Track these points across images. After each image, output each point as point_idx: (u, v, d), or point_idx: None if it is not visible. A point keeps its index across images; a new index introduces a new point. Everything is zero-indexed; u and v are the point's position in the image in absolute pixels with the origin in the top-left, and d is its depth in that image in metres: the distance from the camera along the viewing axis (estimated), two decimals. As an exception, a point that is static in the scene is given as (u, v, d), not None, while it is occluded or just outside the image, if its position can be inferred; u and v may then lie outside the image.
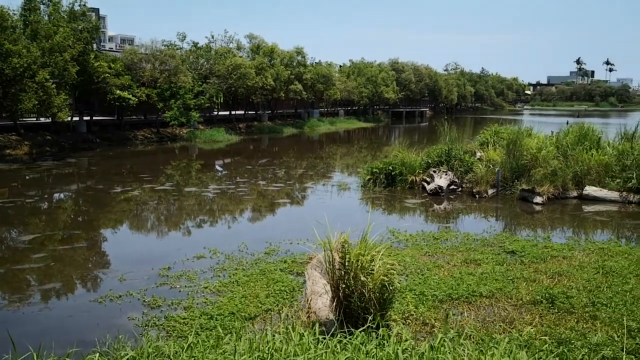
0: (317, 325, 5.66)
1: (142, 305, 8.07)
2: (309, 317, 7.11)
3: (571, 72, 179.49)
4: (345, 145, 40.32)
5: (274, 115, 51.79)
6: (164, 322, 7.36)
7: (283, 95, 48.72)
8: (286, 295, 8.22)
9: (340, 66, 71.56)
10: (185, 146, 34.98)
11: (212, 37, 48.32)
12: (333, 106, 63.89)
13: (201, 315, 7.45)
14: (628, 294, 8.10)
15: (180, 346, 5.63)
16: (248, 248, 11.01)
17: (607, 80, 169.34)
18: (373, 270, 6.45)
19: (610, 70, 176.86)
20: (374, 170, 18.65)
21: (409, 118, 76.04)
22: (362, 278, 6.37)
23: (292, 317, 7.21)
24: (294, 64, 50.68)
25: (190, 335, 6.27)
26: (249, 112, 48.98)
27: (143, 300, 8.25)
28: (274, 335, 5.10)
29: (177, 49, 41.45)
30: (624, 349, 5.89)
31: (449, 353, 4.33)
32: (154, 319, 7.48)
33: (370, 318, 5.90)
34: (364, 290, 6.33)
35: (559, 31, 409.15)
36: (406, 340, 4.85)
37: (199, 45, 44.62)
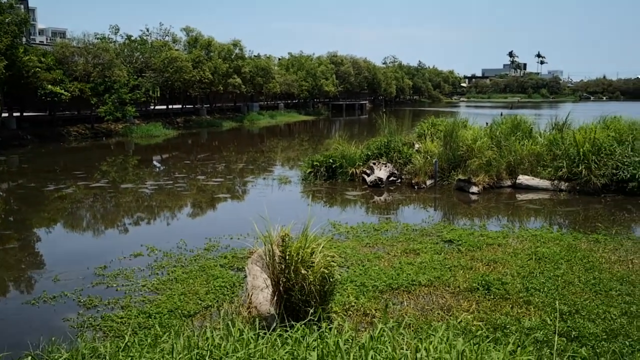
0: (258, 320, 5.61)
1: (78, 306, 7.82)
2: (250, 312, 7.05)
3: (504, 65, 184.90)
4: (286, 139, 40.23)
5: (212, 109, 51.11)
6: (100, 323, 7.16)
7: (222, 88, 48.15)
8: (227, 291, 8.14)
9: (280, 59, 71.29)
10: (121, 142, 34.08)
11: (147, 30, 47.27)
12: (273, 99, 63.63)
13: (139, 314, 7.29)
14: (559, 278, 8.41)
15: (117, 346, 5.48)
16: (187, 244, 10.83)
17: (538, 73, 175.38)
18: (314, 263, 6.45)
19: (542, 62, 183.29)
20: (315, 163, 18.69)
21: (349, 111, 76.55)
22: (303, 271, 6.36)
23: (232, 313, 7.13)
24: (232, 57, 50.14)
25: (128, 334, 6.11)
26: (187, 106, 48.18)
27: (78, 301, 7.99)
28: (213, 332, 5.02)
29: (111, 42, 40.25)
30: (556, 332, 6.11)
31: (388, 342, 4.37)
32: (90, 319, 7.27)
33: (311, 311, 5.89)
34: (304, 284, 6.32)
35: (493, 25, 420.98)
36: (347, 331, 4.85)
37: (133, 39, 43.49)
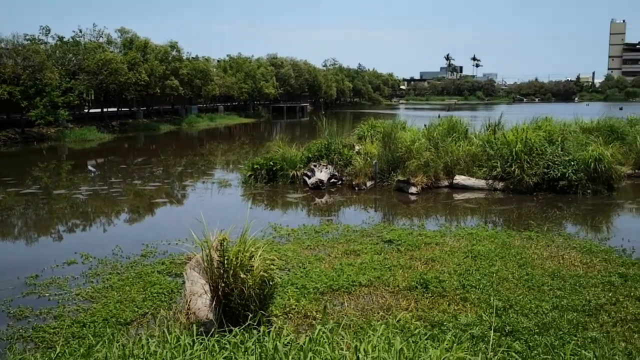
0: (195, 326, 5.51)
1: (7, 317, 7.48)
2: (188, 318, 6.93)
3: (442, 68, 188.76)
4: (226, 142, 39.84)
5: (149, 112, 50.12)
6: (31, 334, 6.87)
7: (159, 91, 47.27)
8: (164, 298, 7.97)
9: (218, 61, 70.56)
10: (54, 146, 32.93)
11: (80, 32, 45.91)
12: (212, 102, 62.91)
13: (73, 324, 7.05)
14: (494, 275, 8.64)
15: (48, 357, 5.28)
16: (123, 251, 10.54)
17: (474, 76, 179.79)
18: (253, 267, 6.39)
19: (477, 65, 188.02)
20: (255, 166, 18.57)
21: (290, 113, 76.55)
22: (242, 275, 6.29)
23: (170, 320, 6.98)
24: (170, 59, 49.34)
25: (59, 345, 5.88)
26: (123, 109, 47.05)
27: (8, 312, 7.65)
28: (148, 340, 4.90)
29: (42, 44, 38.87)
30: (492, 327, 6.27)
31: (327, 344, 4.36)
32: (21, 330, 6.98)
33: (250, 315, 5.83)
34: (243, 288, 6.26)
35: (430, 29, 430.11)
36: (286, 334, 4.83)
37: (65, 40, 42.12)
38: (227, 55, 72.69)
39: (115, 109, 46.05)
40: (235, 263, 6.33)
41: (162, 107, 53.34)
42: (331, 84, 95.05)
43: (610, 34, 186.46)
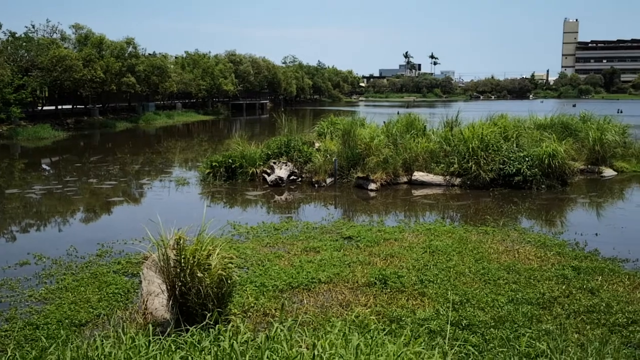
0: (152, 326, 5.41)
1: (-45, 321, 7.21)
2: (145, 318, 6.81)
3: (400, 66, 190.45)
4: (184, 139, 39.34)
5: (105, 109, 49.07)
6: (-20, 338, 6.63)
7: (115, 88, 46.34)
8: (120, 298, 7.82)
9: (176, 58, 69.57)
10: (6, 145, 31.96)
11: (33, 27, 44.64)
12: (170, 99, 61.94)
13: (25, 326, 6.85)
14: (452, 270, 8.76)
15: (-1, 361, 5.11)
16: (78, 251, 10.29)
17: (432, 73, 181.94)
18: (210, 265, 6.32)
19: (435, 63, 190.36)
20: (214, 163, 18.38)
21: (249, 110, 76.08)
22: (199, 274, 6.22)
23: (126, 321, 6.85)
24: (126, 55, 48.44)
25: (11, 348, 5.70)
26: (78, 107, 45.94)
27: (-44, 316, 7.37)
28: (103, 341, 4.78)
29: (-8, 39, 37.68)
30: (449, 321, 6.34)
31: (285, 341, 4.34)
32: (-30, 335, 6.72)
33: (208, 314, 5.76)
34: (201, 287, 6.19)
35: (389, 26, 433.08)
36: (244, 332, 4.77)
37: (17, 35, 40.90)
38: (185, 52, 71.75)
39: (70, 107, 44.94)
40: (192, 262, 6.25)
41: (118, 104, 52.30)
42: (291, 81, 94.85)
43: (564, 32, 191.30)
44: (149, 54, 57.66)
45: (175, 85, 56.01)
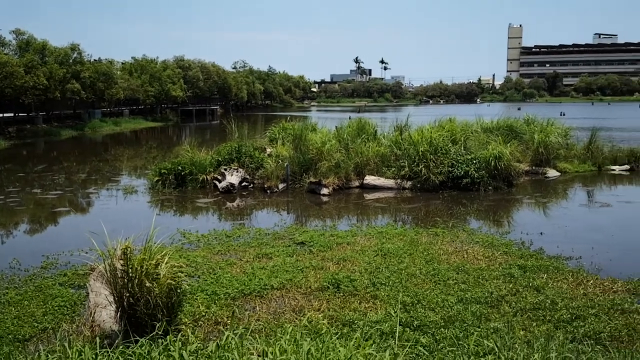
0: (99, 338, 5.28)
1: None
2: (92, 331, 6.64)
3: (351, 71, 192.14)
4: (132, 147, 38.62)
5: (50, 117, 47.76)
6: None
7: (59, 95, 45.11)
8: (67, 311, 7.59)
9: (123, 63, 68.27)
10: (-57, 155, 30.70)
11: (-30, 33, 43.06)
12: (117, 106, 60.71)
13: (-35, 345, 6.55)
14: (403, 272, 8.85)
15: None
16: (21, 264, 9.95)
17: (382, 78, 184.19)
18: (159, 275, 6.21)
19: (385, 68, 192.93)
20: (163, 171, 18.08)
21: (199, 116, 75.32)
22: (148, 284, 6.10)
23: (73, 334, 6.65)
24: (71, 61, 47.27)
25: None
26: (20, 114, 44.55)
27: None
28: (48, 356, 4.63)
29: None
30: (399, 323, 6.40)
31: (236, 349, 4.29)
32: None
33: (158, 325, 5.66)
34: (149, 297, 6.07)
35: (340, 32, 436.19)
36: (194, 342, 4.71)
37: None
38: (132, 58, 70.47)
39: (12, 114, 43.53)
40: (140, 272, 6.12)
41: (63, 111, 51.00)
42: (242, 87, 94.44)
43: (508, 38, 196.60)
44: (95, 60, 56.51)
45: (122, 92, 54.98)
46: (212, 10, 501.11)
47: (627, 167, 21.49)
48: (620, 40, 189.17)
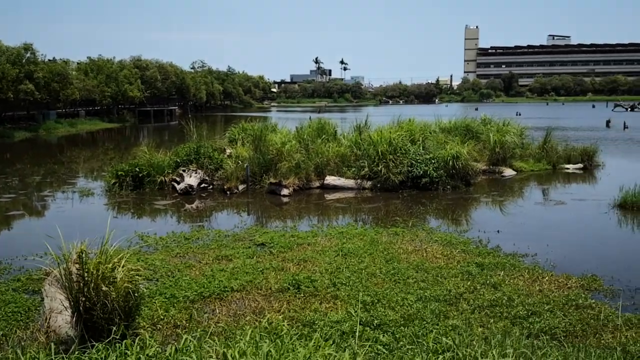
0: (54, 344, 5.15)
1: None
2: (48, 337, 6.50)
3: (311, 71, 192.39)
4: (88, 148, 37.82)
5: (2, 119, 46.41)
6: None
7: (12, 95, 43.88)
8: (20, 317, 7.38)
9: (78, 63, 66.80)
10: None
11: None
12: (72, 107, 59.33)
13: None
14: (363, 271, 8.90)
15: None
16: (-28, 270, 9.63)
17: (342, 79, 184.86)
18: (116, 278, 6.10)
19: (345, 69, 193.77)
20: (120, 173, 17.74)
21: (157, 117, 74.26)
22: (104, 288, 5.98)
23: (27, 340, 6.48)
24: (24, 61, 46.03)
25: None
26: (-29, 116, 43.22)
27: None
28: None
29: None
30: (359, 322, 6.44)
31: (194, 352, 4.25)
32: None
33: (115, 329, 5.55)
34: (106, 301, 5.96)
35: (298, 31, 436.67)
36: (152, 346, 4.64)
37: None
38: (88, 58, 68.99)
39: (-38, 116, 42.24)
40: (96, 275, 6.00)
41: (16, 112, 49.63)
42: (200, 87, 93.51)
43: (465, 39, 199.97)
44: (49, 60, 55.15)
45: (77, 92, 53.81)
46: (169, 10, 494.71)
47: (580, 165, 22.09)
48: (574, 41, 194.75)
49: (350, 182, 17.80)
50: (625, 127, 44.73)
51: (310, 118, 26.96)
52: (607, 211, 14.22)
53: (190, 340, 4.42)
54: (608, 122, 48.56)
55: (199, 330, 5.16)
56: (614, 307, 7.48)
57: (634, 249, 11.37)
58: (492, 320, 6.98)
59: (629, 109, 79.50)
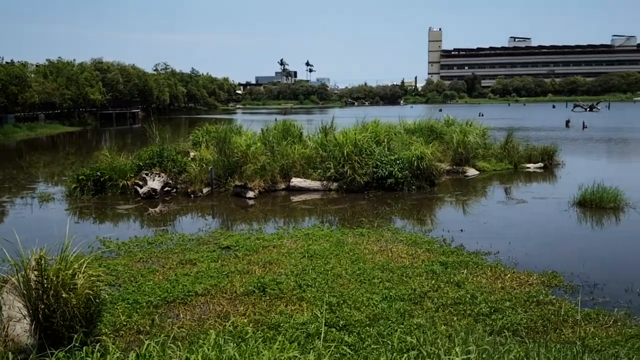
0: (11, 353, 5.02)
1: None
2: (6, 346, 6.31)
3: (277, 73, 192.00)
4: (49, 153, 37.02)
5: (-42, 123, 45.12)
6: None
7: (-32, 99, 42.73)
8: (-24, 327, 7.15)
9: (37, 66, 65.37)
10: None
11: None
12: (32, 110, 57.93)
13: None
14: (329, 272, 8.91)
15: None
16: None
17: (308, 80, 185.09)
18: (76, 285, 5.97)
19: (311, 71, 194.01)
20: (81, 177, 17.40)
21: (120, 120, 73.15)
22: (64, 295, 5.85)
23: (-17, 351, 6.28)
24: (-20, 64, 44.85)
25: None
26: None
27: None
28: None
29: None
30: (325, 323, 6.43)
31: (157, 358, 4.18)
32: None
33: (75, 336, 5.44)
34: (66, 308, 5.83)
35: (263, 33, 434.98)
36: (114, 352, 4.55)
37: None
38: (47, 60, 67.58)
39: None
40: (55, 282, 5.87)
41: (-28, 116, 48.31)
42: (164, 89, 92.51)
43: (429, 41, 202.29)
44: (7, 63, 53.80)
45: (37, 96, 52.67)
46: (131, 11, 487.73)
47: (541, 165, 22.55)
48: (534, 43, 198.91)
49: (316, 184, 17.81)
50: (584, 127, 45.89)
51: (276, 120, 26.87)
52: (567, 209, 14.55)
53: (153, 346, 4.35)
54: (568, 122, 49.73)
55: (162, 335, 5.08)
56: (573, 303, 7.65)
57: (592, 245, 11.65)
58: (455, 318, 7.06)
59: (588, 109, 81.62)
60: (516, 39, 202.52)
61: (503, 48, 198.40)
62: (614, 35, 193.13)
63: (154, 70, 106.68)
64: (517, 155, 22.99)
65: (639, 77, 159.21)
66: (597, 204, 14.48)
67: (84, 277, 6.01)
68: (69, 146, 41.56)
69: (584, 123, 47.63)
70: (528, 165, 22.50)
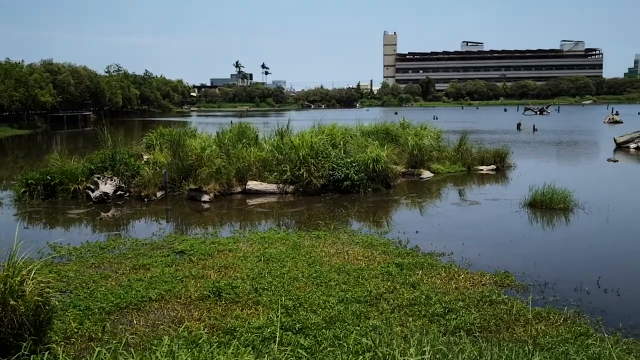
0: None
1: None
2: (-52, 358, 6.06)
3: (232, 75, 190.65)
4: (-3, 156, 35.84)
5: None
6: None
7: None
8: None
9: (-17, 68, 63.29)
10: None
11: None
12: (-22, 113, 56.23)
13: None
14: (286, 276, 8.89)
15: None
16: None
17: (264, 83, 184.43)
18: (25, 292, 5.79)
19: (267, 73, 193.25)
20: (30, 181, 16.91)
21: (71, 123, 71.41)
22: (12, 302, 5.66)
23: None
24: None
25: None
26: None
27: None
28: None
29: None
30: (280, 327, 6.41)
31: (108, 366, 4.10)
32: None
33: (24, 344, 5.27)
34: (14, 316, 5.64)
35: (218, 35, 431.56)
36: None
37: None
38: (-6, 61, 65.44)
39: None
40: (3, 289, 5.68)
41: None
42: (116, 91, 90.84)
43: (384, 44, 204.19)
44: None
45: (-17, 98, 50.92)
46: (82, 12, 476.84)
47: (493, 167, 23.04)
48: (486, 48, 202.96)
49: (272, 187, 17.75)
50: (534, 129, 47.14)
51: (231, 122, 26.68)
52: (518, 210, 14.89)
53: (105, 353, 4.25)
54: (519, 125, 51.00)
55: (114, 342, 4.97)
56: (525, 302, 7.83)
57: (543, 245, 11.94)
58: (411, 319, 7.13)
59: (538, 113, 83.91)
60: (469, 44, 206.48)
61: (456, 52, 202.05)
62: (563, 41, 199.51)
63: (106, 72, 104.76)
64: (470, 157, 23.42)
65: (587, 81, 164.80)
66: (547, 205, 14.86)
67: (33, 284, 5.84)
68: (17, 150, 40.35)
69: (534, 126, 48.92)
70: (481, 167, 22.95)
